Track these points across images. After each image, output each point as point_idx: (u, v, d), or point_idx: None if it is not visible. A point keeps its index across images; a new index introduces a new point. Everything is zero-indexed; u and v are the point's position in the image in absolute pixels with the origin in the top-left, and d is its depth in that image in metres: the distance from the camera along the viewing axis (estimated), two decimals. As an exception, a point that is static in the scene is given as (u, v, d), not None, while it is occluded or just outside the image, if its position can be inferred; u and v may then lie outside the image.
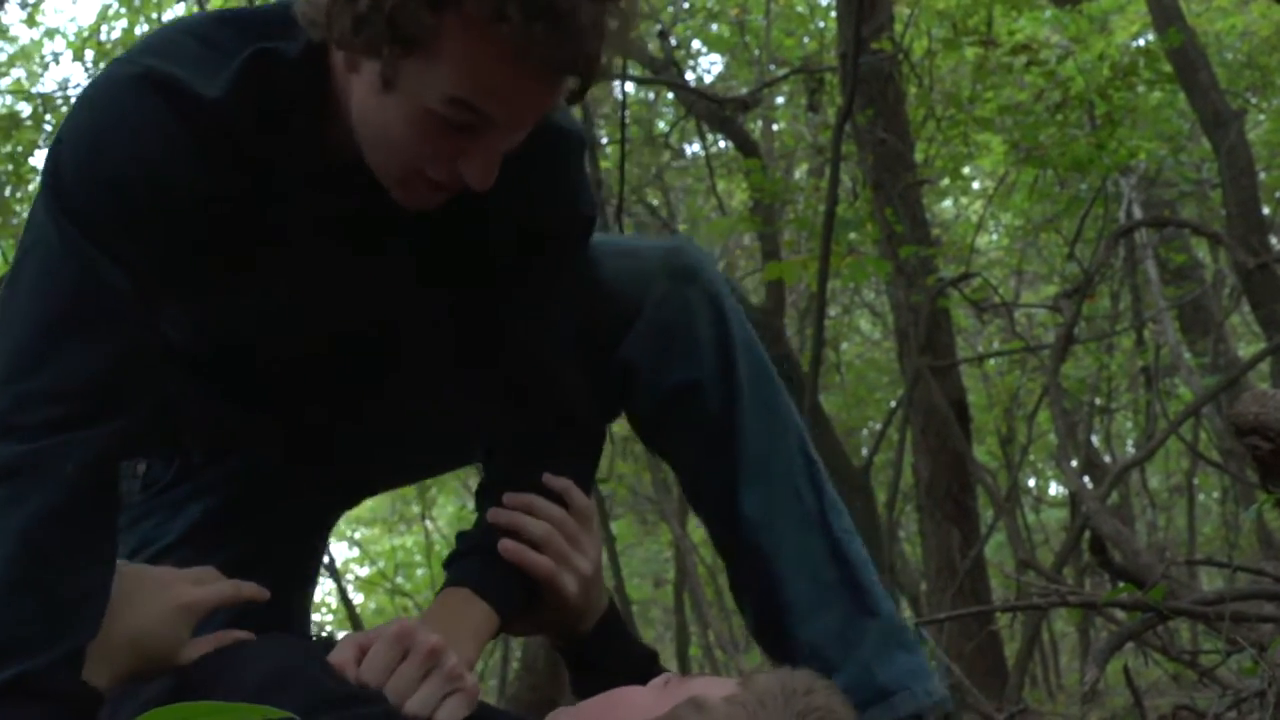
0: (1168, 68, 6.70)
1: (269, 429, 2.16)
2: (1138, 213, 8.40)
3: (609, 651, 1.99)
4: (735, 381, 2.08)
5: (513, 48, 1.58)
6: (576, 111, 7.65)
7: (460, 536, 2.02)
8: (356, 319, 2.00)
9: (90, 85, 1.77)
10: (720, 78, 11.34)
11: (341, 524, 2.50)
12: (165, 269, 1.77)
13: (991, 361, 10.38)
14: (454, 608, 1.90)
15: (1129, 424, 12.51)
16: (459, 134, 1.66)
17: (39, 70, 10.55)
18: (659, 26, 9.31)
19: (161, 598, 1.79)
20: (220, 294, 1.93)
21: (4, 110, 9.29)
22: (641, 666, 1.94)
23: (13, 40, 10.54)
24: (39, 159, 8.92)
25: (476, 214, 1.83)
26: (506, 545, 1.93)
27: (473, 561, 1.95)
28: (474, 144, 1.68)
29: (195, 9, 8.01)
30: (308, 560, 2.37)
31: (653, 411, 2.11)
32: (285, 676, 1.67)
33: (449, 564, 1.98)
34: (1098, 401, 10.30)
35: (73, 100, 7.90)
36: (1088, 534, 4.27)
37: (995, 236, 12.01)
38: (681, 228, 10.96)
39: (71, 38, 10.25)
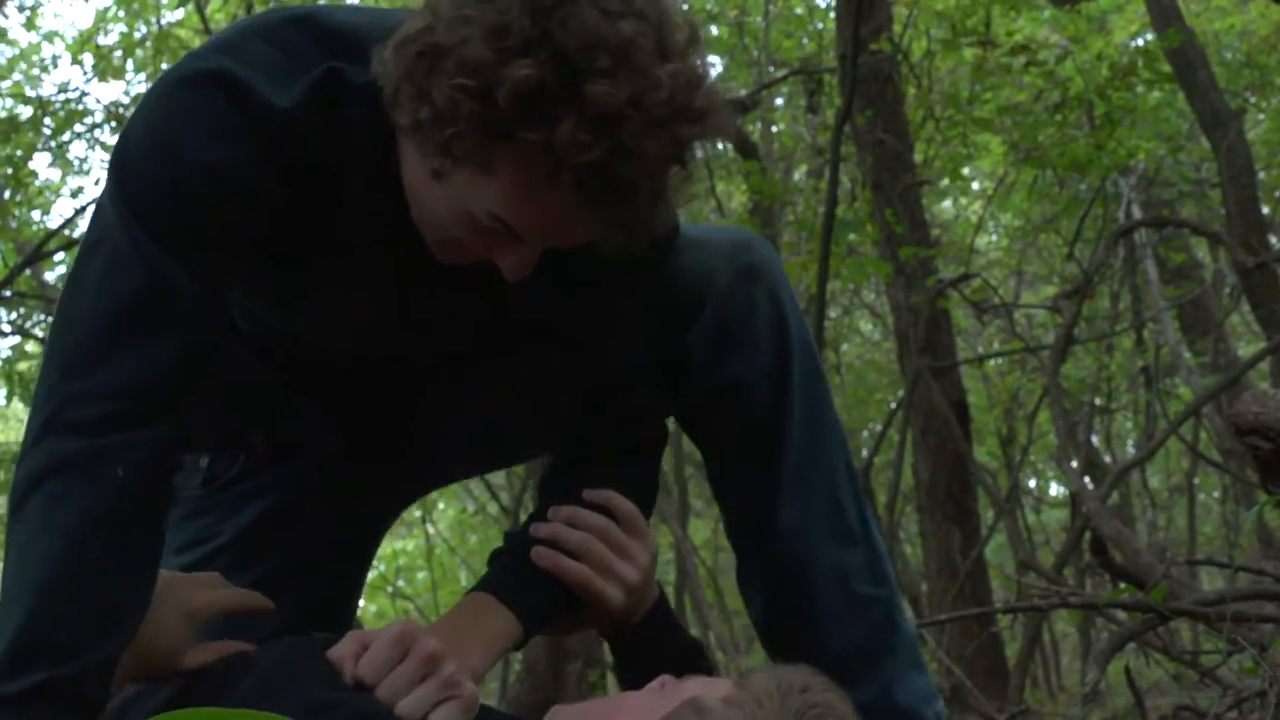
0: (1166, 67, 6.71)
1: (332, 424, 2.15)
2: (1137, 213, 8.40)
3: (656, 643, 1.98)
4: (789, 385, 2.06)
5: (562, 206, 1.57)
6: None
7: (505, 537, 2.01)
8: (415, 330, 1.97)
9: (161, 80, 1.76)
10: (719, 79, 11.34)
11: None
12: (228, 269, 1.78)
13: (991, 362, 10.38)
14: (473, 613, 1.89)
15: (1129, 424, 12.50)
16: (497, 236, 1.65)
17: (37, 74, 10.56)
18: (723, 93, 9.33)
19: (165, 603, 1.79)
20: (282, 294, 1.93)
21: (3, 113, 9.29)
22: (688, 658, 1.94)
23: (12, 43, 10.55)
24: (38, 162, 8.93)
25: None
26: (540, 553, 1.92)
27: (502, 567, 1.95)
28: (511, 246, 1.67)
29: (195, 16, 8.02)
30: (358, 568, 2.36)
31: (701, 402, 2.08)
32: (280, 684, 1.67)
33: (489, 561, 1.98)
34: (1098, 402, 10.30)
35: (73, 104, 7.86)
36: (1088, 534, 4.27)
37: (995, 237, 12.01)
38: (681, 229, 10.95)
39: (70, 41, 10.25)
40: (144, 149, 1.71)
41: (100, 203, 1.74)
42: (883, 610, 2.11)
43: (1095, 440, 11.01)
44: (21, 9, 10.48)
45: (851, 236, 7.29)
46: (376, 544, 2.41)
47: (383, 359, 2.06)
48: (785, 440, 2.07)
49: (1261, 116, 9.45)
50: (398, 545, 15.80)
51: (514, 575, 1.92)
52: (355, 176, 1.76)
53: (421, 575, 14.50)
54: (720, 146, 10.21)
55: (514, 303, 1.91)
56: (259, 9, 7.35)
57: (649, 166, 1.55)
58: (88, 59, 9.67)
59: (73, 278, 1.74)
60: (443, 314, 1.94)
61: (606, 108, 1.51)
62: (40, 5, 11.39)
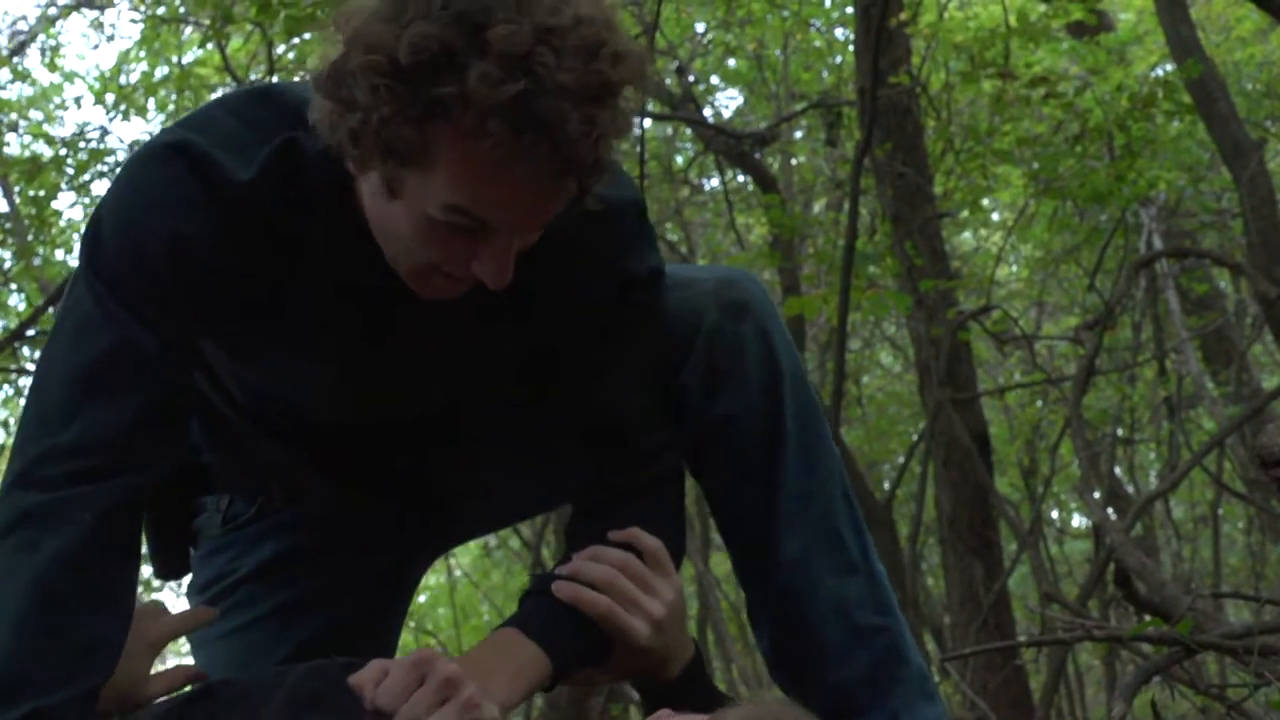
0: (1187, 98, 6.70)
1: (332, 481, 2.18)
2: (1158, 243, 8.39)
3: (692, 701, 1.95)
4: (781, 419, 2.07)
5: (499, 159, 1.58)
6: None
7: (533, 579, 2.02)
8: (402, 390, 2.01)
9: (132, 155, 1.86)
10: (738, 112, 11.37)
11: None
12: (195, 332, 1.86)
13: (1013, 393, 10.35)
14: (497, 647, 1.89)
15: (1152, 455, 12.45)
16: (466, 237, 1.67)
17: (58, 114, 10.63)
18: (677, 63, 9.34)
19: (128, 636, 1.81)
20: (256, 360, 1.98)
21: (26, 154, 9.34)
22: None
23: (34, 83, 10.62)
24: (62, 202, 8.98)
25: (526, 291, 1.82)
26: (560, 586, 1.93)
27: (529, 603, 1.95)
28: (483, 247, 1.68)
29: (217, 56, 8.06)
30: (383, 610, 2.36)
31: (697, 440, 2.10)
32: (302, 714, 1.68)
33: (521, 600, 1.99)
34: (1120, 433, 10.26)
35: (94, 144, 7.92)
36: (1112, 566, 4.25)
37: (1015, 268, 11.99)
38: (701, 262, 10.97)
39: (91, 81, 10.32)
40: (112, 220, 1.79)
41: (75, 271, 1.83)
42: (887, 640, 2.11)
43: (1118, 471, 10.96)
44: (43, 50, 10.56)
45: (872, 269, 7.29)
46: (404, 593, 2.41)
47: (378, 424, 2.09)
48: (780, 474, 2.08)
49: (1283, 146, 9.44)
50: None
51: (541, 611, 1.92)
52: (318, 239, 1.81)
53: (443, 610, 14.49)
54: (740, 179, 10.24)
55: (497, 353, 1.96)
56: (278, 44, 7.40)
57: (570, 98, 1.56)
58: (109, 99, 9.73)
59: (48, 343, 1.84)
60: (417, 371, 1.96)
61: (513, 46, 1.54)
62: (61, 47, 11.45)
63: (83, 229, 1.84)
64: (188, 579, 2.32)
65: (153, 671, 1.89)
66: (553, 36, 1.55)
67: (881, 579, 2.14)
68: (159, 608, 1.93)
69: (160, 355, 1.77)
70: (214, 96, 2.16)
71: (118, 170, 1.92)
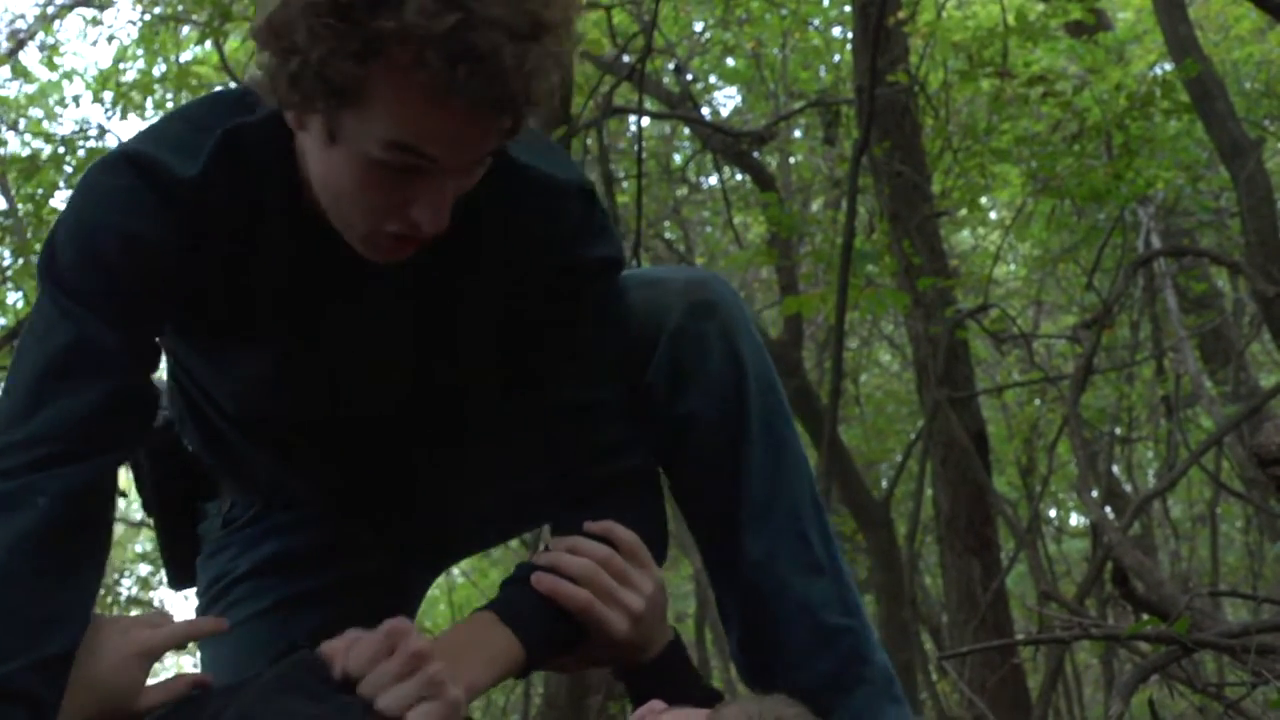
0: (1185, 97, 6.70)
1: (319, 488, 2.21)
2: (1156, 242, 8.39)
3: (668, 685, 1.97)
4: (745, 420, 2.08)
5: (437, 90, 1.62)
6: (593, 148, 7.68)
7: (516, 568, 2.02)
8: (365, 383, 2.02)
9: (86, 170, 1.89)
10: (736, 111, 11.38)
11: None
12: (154, 327, 1.90)
13: (1011, 392, 10.36)
14: (472, 630, 1.90)
15: (1150, 454, 12.47)
16: (405, 179, 1.71)
17: (57, 112, 10.63)
18: (675, 61, 9.35)
19: (119, 644, 1.82)
20: (230, 359, 2.00)
21: (25, 152, 9.34)
22: (702, 702, 1.92)
23: (33, 81, 10.62)
24: (60, 200, 8.97)
25: (469, 269, 1.88)
26: (540, 578, 1.93)
27: (507, 590, 1.96)
28: (422, 188, 1.72)
29: (215, 55, 8.07)
30: (383, 618, 2.36)
31: (662, 439, 2.10)
32: (259, 708, 1.68)
33: (500, 587, 1.99)
34: (1118, 431, 10.26)
35: (93, 142, 7.93)
36: (1110, 565, 4.25)
37: (1013, 267, 12.00)
38: (699, 261, 10.98)
39: (89, 79, 10.32)
40: (67, 228, 1.84)
41: (37, 294, 1.87)
42: (851, 640, 2.12)
43: (1116, 470, 10.97)
44: (41, 48, 10.56)
45: (870, 268, 7.29)
46: (405, 596, 2.41)
47: (358, 426, 2.09)
48: (745, 474, 2.08)
49: (1280, 145, 9.45)
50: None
51: (518, 598, 1.93)
52: (270, 225, 1.86)
53: (442, 607, 14.49)
54: (738, 178, 10.24)
55: (454, 338, 1.97)
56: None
57: (503, 31, 1.60)
58: (108, 97, 9.73)
59: (14, 356, 1.87)
60: (378, 356, 1.99)
61: None
62: (60, 45, 11.44)
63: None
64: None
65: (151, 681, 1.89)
66: None
67: (847, 579, 2.15)
68: (163, 617, 1.93)
69: (118, 348, 1.81)
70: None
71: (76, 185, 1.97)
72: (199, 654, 2.30)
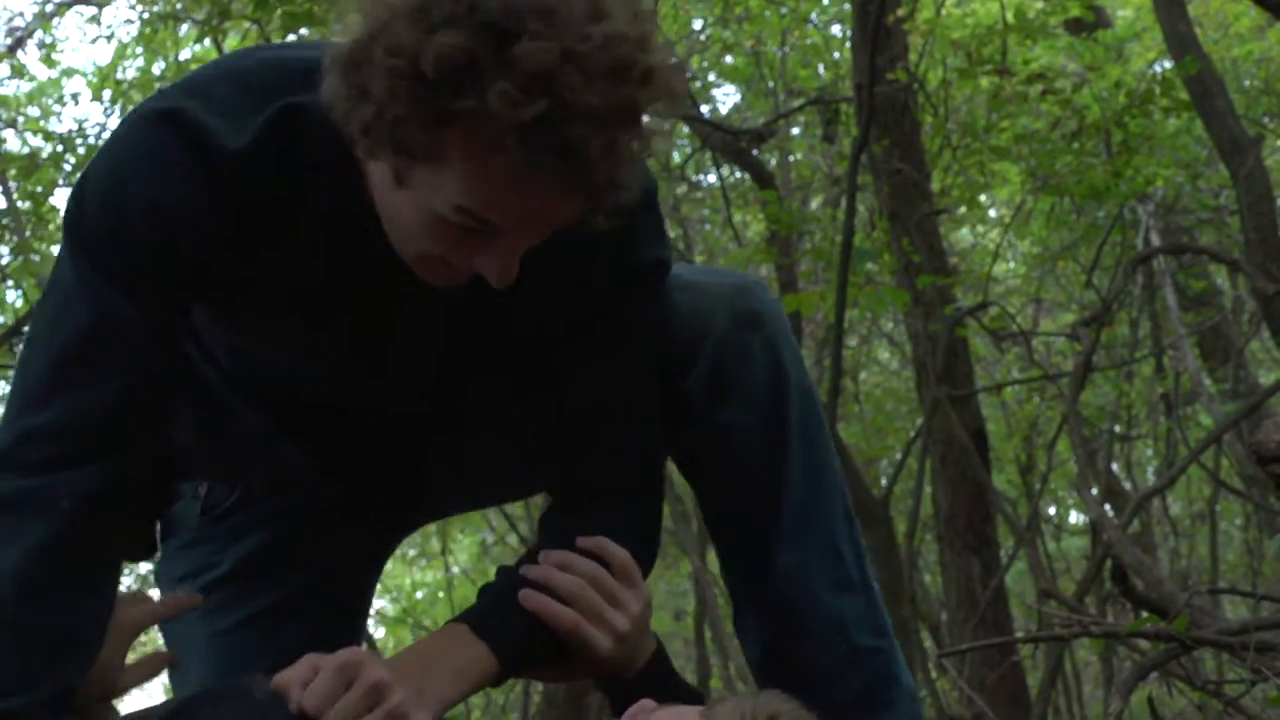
0: (1184, 95, 6.70)
1: (328, 473, 2.16)
2: (1155, 240, 8.38)
3: (654, 696, 1.93)
4: (786, 432, 2.05)
5: (512, 175, 1.55)
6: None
7: (497, 572, 2.00)
8: (396, 373, 1.97)
9: (124, 119, 1.79)
10: (736, 109, 11.36)
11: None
12: (178, 305, 1.80)
13: (1010, 390, 10.34)
14: (445, 643, 1.88)
15: (1149, 451, 12.45)
16: (472, 236, 1.64)
17: (56, 110, 10.62)
18: (674, 59, 9.33)
19: None
20: (252, 335, 1.94)
21: (24, 150, 9.33)
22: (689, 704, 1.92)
23: (32, 79, 10.62)
24: (59, 199, 8.97)
25: (523, 285, 1.78)
26: (528, 595, 1.91)
27: (486, 601, 1.93)
28: (488, 245, 1.65)
29: (214, 52, 8.06)
30: (360, 596, 2.35)
31: (698, 446, 2.07)
32: None
33: (478, 596, 1.96)
34: (1117, 429, 10.25)
35: (92, 140, 7.92)
36: (1109, 563, 4.24)
37: (1013, 265, 11.98)
38: (698, 259, 10.97)
39: (90, 76, 10.31)
40: (96, 187, 1.74)
41: (60, 248, 1.78)
42: (882, 662, 2.10)
43: (1115, 468, 10.96)
44: (40, 45, 10.55)
45: (869, 266, 7.28)
46: (378, 572, 2.41)
47: (373, 412, 2.05)
48: (783, 488, 2.05)
49: (1280, 143, 9.45)
50: (417, 577, 15.80)
51: (497, 611, 1.91)
52: (315, 211, 1.77)
53: (441, 606, 14.49)
54: (737, 176, 10.24)
55: (494, 341, 1.93)
56: (275, 41, 7.39)
57: (593, 122, 1.52)
58: (106, 95, 9.72)
59: (34, 317, 1.81)
60: (412, 354, 1.94)
61: (538, 65, 1.50)
62: (59, 42, 11.44)
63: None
64: (156, 568, 2.28)
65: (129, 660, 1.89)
66: (582, 56, 1.51)
67: (877, 598, 2.13)
68: (142, 596, 1.92)
69: (143, 330, 1.73)
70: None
71: (109, 135, 1.85)
72: (169, 642, 2.26)
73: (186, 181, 1.70)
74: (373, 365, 1.94)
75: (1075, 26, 8.34)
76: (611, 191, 1.61)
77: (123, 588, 1.90)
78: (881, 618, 2.12)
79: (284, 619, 2.17)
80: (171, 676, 2.23)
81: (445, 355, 1.95)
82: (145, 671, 1.88)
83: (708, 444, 2.06)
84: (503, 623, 1.89)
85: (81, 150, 8.68)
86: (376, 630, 14.49)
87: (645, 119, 1.59)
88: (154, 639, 2.25)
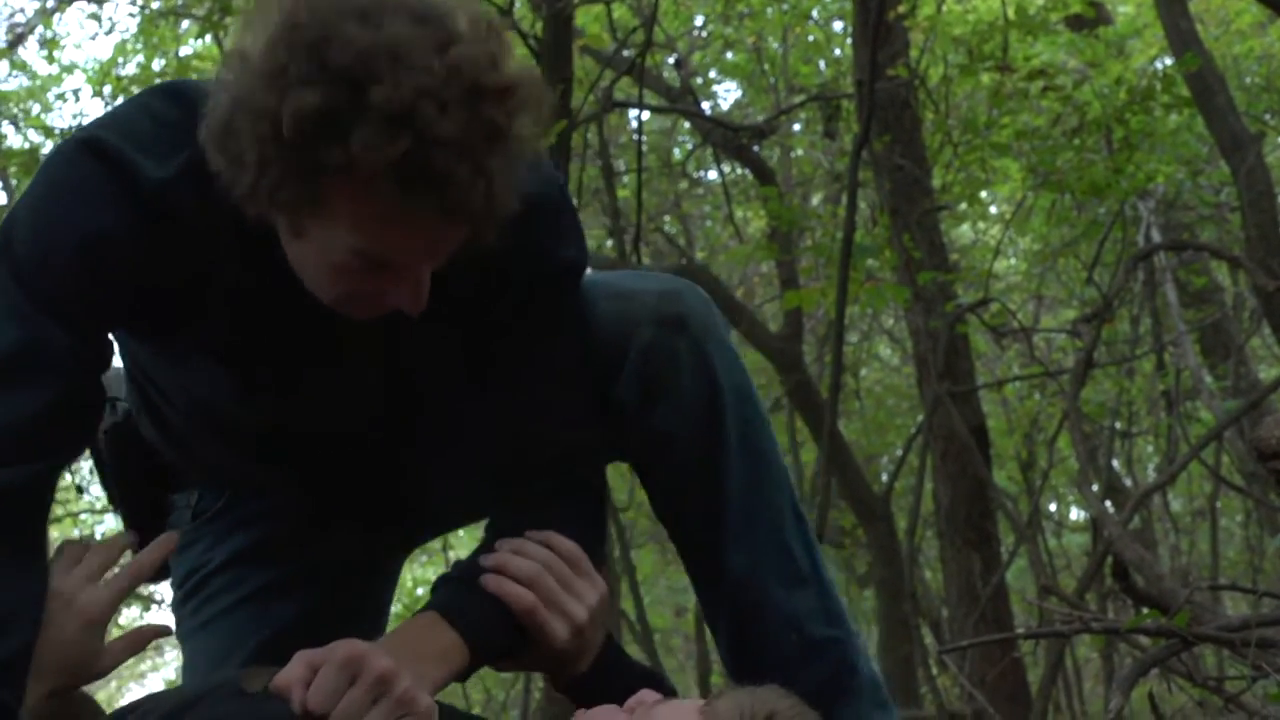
0: (1185, 91, 6.70)
1: (293, 484, 2.18)
2: (1156, 236, 8.37)
3: (608, 686, 1.96)
4: (721, 434, 2.05)
5: (392, 213, 1.60)
6: (593, 142, 7.65)
7: (453, 566, 2.01)
8: (328, 405, 1.99)
9: (51, 152, 1.85)
10: (737, 105, 11.36)
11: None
12: (108, 331, 1.85)
13: (1011, 386, 10.35)
14: (419, 631, 1.88)
15: (1150, 448, 12.46)
16: (375, 273, 1.68)
17: (57, 106, 10.62)
18: (675, 56, 9.34)
19: (66, 621, 1.82)
20: (196, 370, 1.96)
21: (25, 146, 9.33)
22: (645, 684, 1.92)
23: (33, 75, 10.62)
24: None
25: (441, 300, 1.81)
26: (489, 579, 1.92)
27: (451, 588, 1.94)
28: (394, 279, 1.69)
29: (215, 49, 8.07)
30: (360, 600, 2.35)
31: (636, 450, 2.10)
32: None
33: (433, 589, 1.97)
34: (1118, 426, 10.26)
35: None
36: (1110, 559, 4.24)
37: (1013, 261, 11.99)
38: (699, 255, 10.97)
39: (90, 73, 10.31)
40: (26, 215, 1.77)
41: None
42: (838, 651, 2.11)
43: (1116, 464, 10.97)
44: (41, 42, 10.55)
45: (870, 262, 7.27)
46: (385, 583, 2.41)
47: (328, 436, 2.07)
48: (723, 488, 2.06)
49: (1281, 140, 9.44)
50: (418, 574, 15.80)
51: (461, 598, 1.92)
52: (235, 248, 1.79)
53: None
54: (738, 172, 10.23)
55: (425, 358, 1.95)
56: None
57: (457, 150, 1.56)
58: (107, 90, 9.72)
59: None
60: (346, 379, 1.96)
61: (392, 106, 1.54)
62: (59, 39, 11.44)
63: None
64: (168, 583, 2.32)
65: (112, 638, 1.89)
66: (434, 89, 1.55)
67: (831, 589, 2.14)
68: (82, 544, 1.90)
69: (69, 352, 1.76)
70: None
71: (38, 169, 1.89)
72: (180, 648, 2.28)
73: (111, 204, 1.74)
74: (316, 394, 1.96)
75: (1076, 23, 8.34)
76: (491, 211, 1.64)
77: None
78: (836, 607, 2.14)
79: (274, 598, 2.19)
80: (183, 672, 2.25)
81: (388, 376, 1.98)
82: (127, 646, 1.89)
83: (644, 449, 2.08)
84: (469, 610, 1.90)
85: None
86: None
87: (512, 132, 1.62)
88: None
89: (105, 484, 2.30)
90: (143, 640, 1.93)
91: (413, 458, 2.13)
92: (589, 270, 2.05)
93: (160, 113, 1.79)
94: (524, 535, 1.96)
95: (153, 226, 1.75)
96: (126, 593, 1.91)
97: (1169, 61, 7.43)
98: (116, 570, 1.93)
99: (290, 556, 2.21)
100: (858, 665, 2.13)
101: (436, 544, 13.41)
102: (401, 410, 2.04)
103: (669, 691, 1.95)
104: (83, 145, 1.76)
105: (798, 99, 9.80)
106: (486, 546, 1.99)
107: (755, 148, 9.35)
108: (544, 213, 1.89)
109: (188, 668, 2.24)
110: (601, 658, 2.00)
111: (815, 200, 10.94)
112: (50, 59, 10.71)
